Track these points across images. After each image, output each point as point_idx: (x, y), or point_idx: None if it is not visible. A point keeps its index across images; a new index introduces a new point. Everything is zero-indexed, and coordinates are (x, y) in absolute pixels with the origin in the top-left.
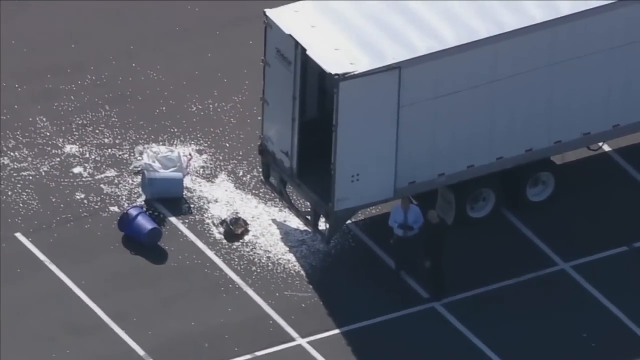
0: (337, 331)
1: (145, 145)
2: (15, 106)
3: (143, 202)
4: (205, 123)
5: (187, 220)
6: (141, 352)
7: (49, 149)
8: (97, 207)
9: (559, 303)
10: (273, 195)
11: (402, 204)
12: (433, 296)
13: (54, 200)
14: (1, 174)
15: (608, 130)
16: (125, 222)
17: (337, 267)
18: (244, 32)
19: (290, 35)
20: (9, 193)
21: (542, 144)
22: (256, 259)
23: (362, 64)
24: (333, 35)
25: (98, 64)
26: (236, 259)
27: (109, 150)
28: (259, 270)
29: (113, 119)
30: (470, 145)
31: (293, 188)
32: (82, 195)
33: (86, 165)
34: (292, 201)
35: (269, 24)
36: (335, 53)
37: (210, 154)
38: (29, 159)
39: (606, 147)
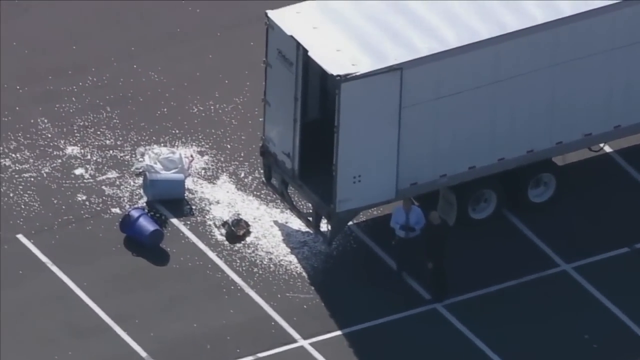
0: (339, 332)
1: (147, 147)
2: (17, 108)
3: (145, 204)
4: (206, 124)
5: (188, 222)
6: (143, 354)
7: (51, 150)
8: (98, 208)
9: (560, 304)
10: (275, 196)
11: (403, 205)
12: (435, 297)
13: (55, 201)
14: (3, 175)
15: (609, 131)
16: (127, 223)
17: (339, 268)
18: (245, 34)
19: (292, 37)
20: (11, 195)
21: (544, 145)
22: (258, 261)
23: (363, 65)
24: (335, 36)
25: (99, 66)
26: (238, 261)
27: (111, 151)
28: (260, 272)
29: (114, 121)
30: (472, 146)
31: (295, 189)
32: (84, 197)
33: (88, 166)
34: (294, 202)
35: (270, 25)
36: (337, 54)
37: (212, 155)
38: (31, 160)
39: (607, 148)
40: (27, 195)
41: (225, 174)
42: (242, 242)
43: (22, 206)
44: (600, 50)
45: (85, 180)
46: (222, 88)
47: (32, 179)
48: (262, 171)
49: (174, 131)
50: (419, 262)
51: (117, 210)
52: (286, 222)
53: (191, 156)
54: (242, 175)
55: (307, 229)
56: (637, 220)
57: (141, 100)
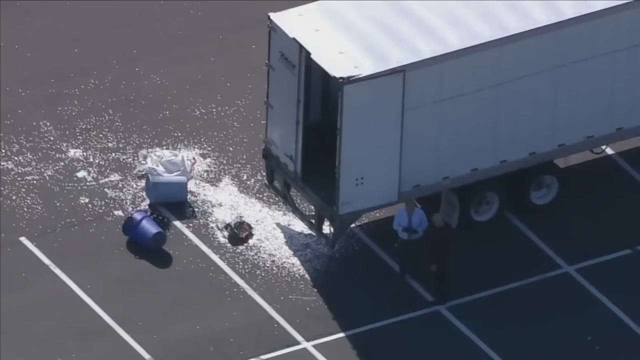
0: (342, 335)
1: (149, 150)
2: (19, 111)
3: (147, 206)
4: (208, 127)
5: (191, 224)
6: (146, 356)
7: (53, 153)
8: (101, 211)
9: (563, 306)
10: (277, 199)
11: (406, 208)
12: (438, 299)
13: (58, 204)
14: (5, 178)
15: (612, 133)
16: (130, 226)
17: (342, 270)
18: (247, 37)
19: (294, 39)
20: (14, 197)
21: (546, 147)
22: (261, 263)
23: (366, 68)
24: (337, 38)
25: (101, 69)
26: (240, 263)
27: (113, 154)
28: (263, 274)
29: (117, 124)
30: (474, 149)
31: (297, 192)
32: (87, 200)
33: (90, 169)
34: (297, 205)
35: (273, 28)
36: (340, 57)
37: (214, 158)
38: (33, 163)
39: (609, 151)
40: (29, 198)
41: (227, 176)
42: (245, 244)
43: (25, 209)
44: (603, 53)
45: (87, 183)
46: (224, 91)
47: (35, 182)
48: (264, 173)
49: (176, 134)
50: (422, 264)
51: (119, 212)
52: (289, 225)
53: (193, 159)
54: (245, 177)
55: (310, 231)
56: (639, 221)
57: (143, 103)
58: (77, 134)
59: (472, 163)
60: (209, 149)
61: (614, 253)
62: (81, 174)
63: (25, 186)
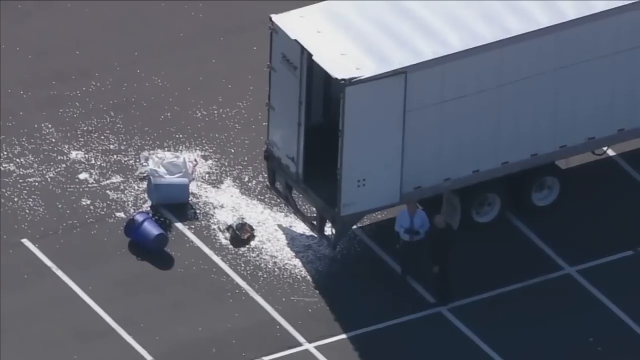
0: (344, 336)
1: (151, 151)
2: (21, 113)
3: (149, 208)
4: (210, 129)
5: (193, 226)
6: (148, 358)
7: (55, 155)
8: (103, 213)
9: (564, 307)
10: (279, 200)
11: (408, 209)
12: (440, 301)
13: (60, 206)
14: (7, 180)
15: (613, 134)
16: (132, 227)
17: (344, 272)
18: (248, 38)
19: (296, 41)
20: (15, 199)
21: (548, 148)
22: (262, 265)
23: (368, 69)
24: (339, 40)
25: (103, 71)
26: (242, 265)
27: (115, 156)
28: (265, 276)
29: (118, 125)
30: (476, 150)
31: (299, 193)
32: (88, 201)
33: (92, 171)
34: (298, 206)
35: (274, 30)
36: (341, 58)
37: (216, 159)
38: (35, 165)
39: (610, 152)
40: (31, 200)
41: (229, 178)
42: (247, 246)
43: (27, 211)
44: (604, 54)
45: (89, 185)
46: (226, 92)
47: (37, 184)
48: (266, 175)
49: (177, 136)
50: (424, 266)
51: (121, 214)
52: (290, 226)
53: (195, 160)
54: (246, 179)
55: (312, 233)
56: None
57: (145, 105)
58: (79, 135)
59: (473, 164)
60: (211, 150)
61: (616, 254)
62: (83, 175)
63: (27, 188)
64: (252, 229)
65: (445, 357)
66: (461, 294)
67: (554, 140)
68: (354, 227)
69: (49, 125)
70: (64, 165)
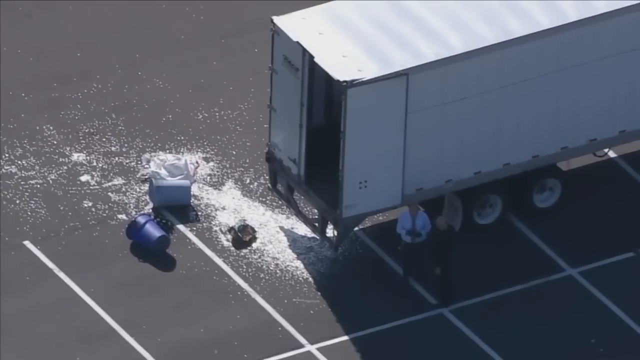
0: (345, 337)
1: (152, 154)
2: (22, 115)
3: (151, 210)
4: (211, 131)
5: (195, 228)
6: (150, 359)
7: (56, 157)
8: (105, 215)
9: (566, 308)
10: (280, 202)
11: (410, 210)
12: (441, 302)
13: (61, 208)
14: (9, 182)
15: (614, 136)
16: (134, 229)
17: (345, 273)
18: (249, 40)
19: (297, 42)
20: (17, 201)
21: (549, 150)
22: (264, 266)
23: (369, 71)
24: (340, 42)
25: (104, 73)
26: (244, 266)
27: (116, 158)
28: (267, 277)
29: (120, 127)
30: (477, 152)
31: (300, 195)
32: (90, 204)
33: (93, 173)
34: (300, 208)
35: (276, 31)
36: (343, 60)
37: (217, 161)
38: (37, 167)
39: (612, 154)
40: (33, 202)
41: (230, 180)
42: (249, 247)
43: (29, 213)
44: (606, 56)
45: (91, 187)
46: (227, 94)
47: (38, 186)
48: (267, 177)
49: (179, 138)
50: (425, 267)
51: (123, 216)
52: (292, 228)
53: (197, 162)
54: (248, 181)
55: (313, 235)
56: None
57: (146, 107)
58: (80, 138)
59: (475, 166)
60: (212, 152)
61: (617, 256)
62: (84, 178)
63: (29, 190)
64: (254, 231)
65: (446, 358)
66: (463, 296)
67: (555, 142)
68: (356, 228)
69: (51, 128)
70: (65, 168)
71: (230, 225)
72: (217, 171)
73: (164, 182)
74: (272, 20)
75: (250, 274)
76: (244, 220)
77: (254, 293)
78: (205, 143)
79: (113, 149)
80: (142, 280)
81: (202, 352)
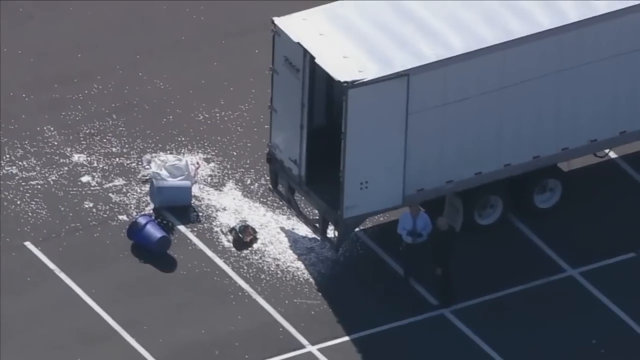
0: (346, 338)
1: (153, 154)
2: (23, 116)
3: (152, 211)
4: (212, 132)
5: (195, 229)
6: None
7: (57, 158)
8: (106, 215)
9: (567, 309)
10: (281, 203)
11: (411, 211)
12: (442, 303)
13: (62, 209)
14: (10, 183)
15: (615, 136)
16: (135, 230)
17: (346, 274)
18: (250, 41)
19: (298, 43)
20: (18, 202)
21: (550, 150)
22: (265, 267)
23: (370, 72)
24: (341, 43)
25: (105, 74)
26: (245, 267)
27: (117, 159)
28: (268, 278)
29: (120, 128)
30: (478, 153)
31: (301, 196)
32: (91, 204)
33: (94, 174)
34: (301, 209)
35: (277, 32)
36: (344, 61)
37: (218, 162)
38: (37, 168)
39: (612, 154)
40: (34, 203)
41: (231, 180)
42: (249, 248)
43: (30, 214)
44: (606, 56)
45: (92, 188)
46: (228, 95)
47: (39, 187)
48: (268, 178)
49: (180, 138)
50: (426, 268)
51: (124, 217)
52: (293, 229)
53: (197, 163)
54: (249, 182)
55: (314, 235)
56: None
57: (147, 108)
58: (81, 138)
59: (476, 167)
60: (213, 153)
61: (618, 256)
62: (85, 178)
63: (30, 191)
64: (255, 232)
65: (447, 359)
66: (464, 296)
67: (556, 143)
68: (357, 229)
69: (51, 128)
70: (66, 168)
71: (231, 226)
72: (218, 172)
73: (165, 182)
74: (273, 21)
75: (251, 274)
76: (245, 221)
77: (255, 294)
78: (206, 144)
79: (114, 149)
80: (143, 281)
81: (203, 352)
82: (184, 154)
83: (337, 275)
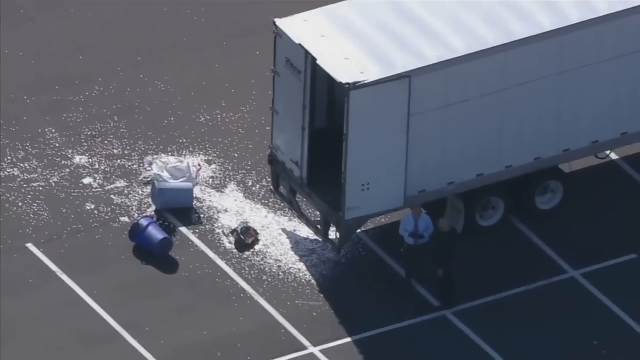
0: (348, 340)
1: (155, 156)
2: (25, 118)
3: (153, 213)
4: (213, 133)
5: (197, 230)
6: None
7: (59, 160)
8: (107, 217)
9: (569, 310)
10: (283, 204)
11: (413, 213)
12: (444, 304)
13: (64, 211)
14: (11, 185)
15: (616, 138)
16: (136, 232)
17: (348, 276)
18: (251, 43)
19: (300, 45)
20: (20, 204)
21: (551, 152)
22: (267, 269)
23: (372, 73)
24: (343, 44)
25: (106, 75)
26: (247, 269)
27: (119, 161)
28: (270, 280)
29: (122, 130)
30: (480, 154)
31: (303, 197)
32: (93, 206)
33: (96, 176)
34: (302, 210)
35: (278, 34)
36: (346, 62)
37: (220, 164)
38: (39, 170)
39: (613, 156)
40: (36, 205)
41: (233, 182)
42: (251, 250)
43: (31, 215)
44: (608, 58)
45: (93, 190)
46: (229, 97)
47: (41, 189)
48: (270, 179)
49: (181, 140)
50: (428, 270)
51: (125, 219)
52: (295, 230)
53: (199, 165)
54: (250, 183)
55: (316, 237)
56: None
57: (148, 110)
58: (83, 140)
59: (477, 168)
60: (214, 155)
61: (619, 257)
62: (87, 180)
63: (31, 193)
64: (257, 233)
65: None
66: (465, 298)
67: (557, 144)
68: (359, 231)
69: (53, 130)
70: (68, 170)
71: (233, 228)
72: (220, 174)
73: (167, 184)
74: (274, 23)
75: (253, 276)
76: (247, 222)
77: (257, 295)
78: (207, 145)
79: (115, 151)
80: (144, 283)
81: (205, 354)
82: (185, 155)
83: (339, 277)
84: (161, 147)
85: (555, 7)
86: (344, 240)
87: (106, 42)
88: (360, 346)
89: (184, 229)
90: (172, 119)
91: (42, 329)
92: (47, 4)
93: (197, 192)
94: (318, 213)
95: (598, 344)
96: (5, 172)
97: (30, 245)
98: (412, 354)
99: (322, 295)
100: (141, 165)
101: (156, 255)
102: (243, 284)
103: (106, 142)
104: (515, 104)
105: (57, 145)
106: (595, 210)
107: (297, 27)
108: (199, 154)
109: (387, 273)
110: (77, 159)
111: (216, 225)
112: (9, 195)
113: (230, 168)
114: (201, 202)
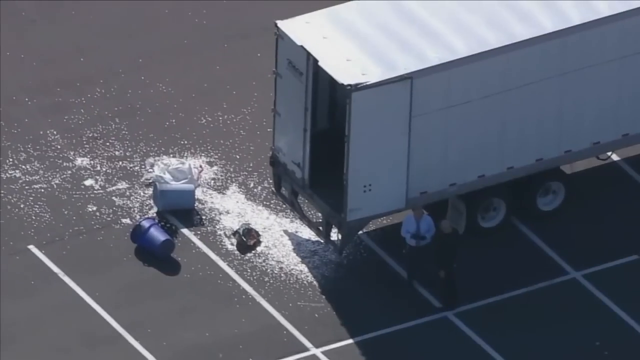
0: (350, 341)
1: (156, 158)
2: (26, 120)
3: (155, 214)
4: (215, 135)
5: (199, 232)
6: None
7: (60, 161)
8: (109, 219)
9: (570, 312)
10: (284, 206)
11: (414, 214)
12: (445, 305)
13: (66, 212)
14: (13, 187)
15: (618, 139)
16: (138, 233)
17: (350, 277)
18: (252, 45)
19: (302, 47)
20: (22, 206)
21: (553, 153)
22: (269, 270)
23: (374, 75)
24: (345, 46)
25: (107, 77)
26: (249, 270)
27: (120, 162)
28: (271, 281)
29: (123, 132)
30: (481, 155)
31: (305, 199)
32: (94, 208)
33: (97, 177)
34: (304, 212)
35: (280, 35)
36: (347, 64)
37: (221, 165)
38: (41, 172)
39: (615, 157)
40: (37, 207)
41: (234, 184)
42: (253, 251)
43: (33, 217)
44: (609, 59)
45: (95, 191)
46: (230, 99)
47: (43, 190)
48: (271, 181)
49: (182, 142)
50: (430, 271)
51: (127, 220)
52: (296, 232)
53: (200, 166)
54: (252, 185)
55: (318, 238)
56: None
57: (150, 112)
58: (84, 142)
59: (479, 169)
60: (216, 156)
61: (621, 259)
62: (88, 182)
63: (33, 195)
64: (258, 235)
65: None
66: (467, 299)
67: (559, 145)
68: (360, 232)
69: (54, 132)
70: (69, 172)
71: (235, 229)
72: (221, 175)
73: (168, 186)
74: (276, 25)
75: (255, 277)
76: (248, 224)
77: (259, 297)
78: (209, 147)
79: (117, 153)
80: (146, 284)
81: (207, 355)
82: (187, 157)
83: (341, 278)
84: (162, 149)
85: (556, 8)
86: (346, 241)
87: (107, 44)
88: (362, 347)
89: (185, 231)
90: (174, 120)
91: (44, 331)
92: (49, 6)
93: (198, 193)
94: (320, 214)
95: (600, 345)
96: (7, 174)
97: (32, 247)
98: (413, 355)
99: (323, 297)
100: (143, 166)
101: (158, 257)
102: (245, 285)
103: (108, 144)
104: (517, 105)
105: (59, 147)
106: (596, 211)
107: (298, 28)
108: (201, 155)
109: (388, 274)
110: (79, 161)
111: (218, 227)
112: (10, 197)
113: (231, 169)
114: (203, 204)
